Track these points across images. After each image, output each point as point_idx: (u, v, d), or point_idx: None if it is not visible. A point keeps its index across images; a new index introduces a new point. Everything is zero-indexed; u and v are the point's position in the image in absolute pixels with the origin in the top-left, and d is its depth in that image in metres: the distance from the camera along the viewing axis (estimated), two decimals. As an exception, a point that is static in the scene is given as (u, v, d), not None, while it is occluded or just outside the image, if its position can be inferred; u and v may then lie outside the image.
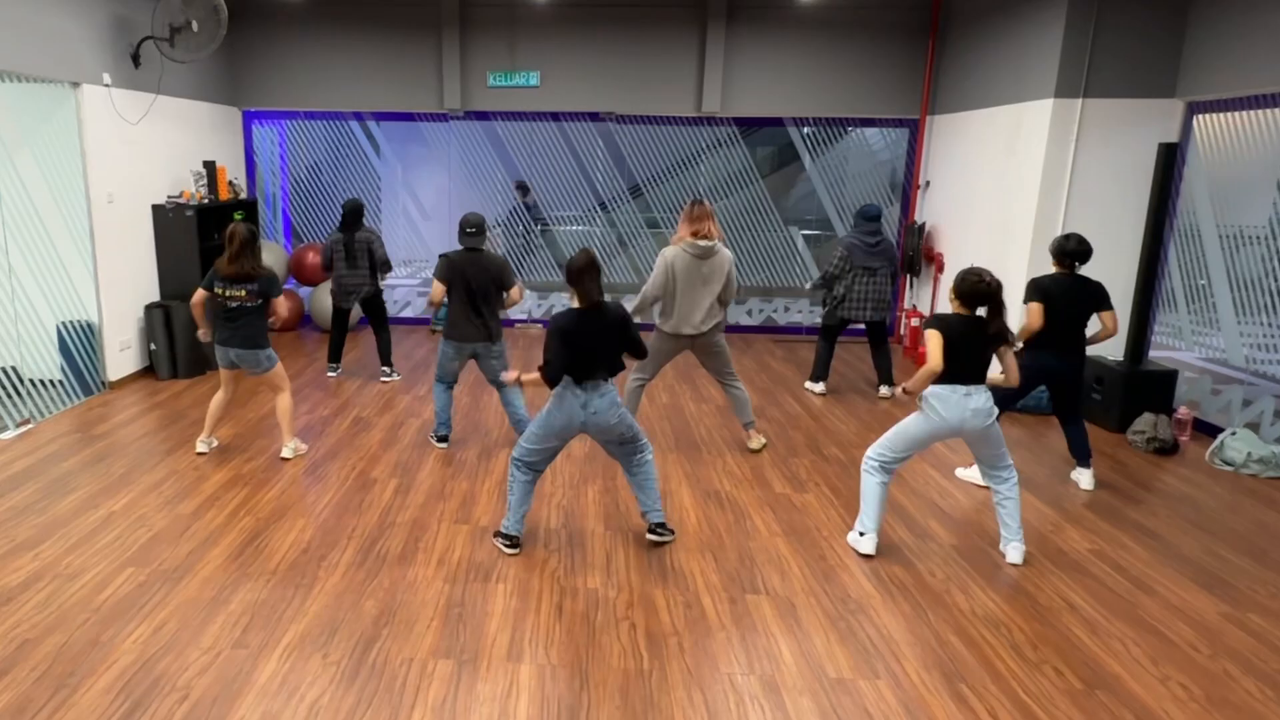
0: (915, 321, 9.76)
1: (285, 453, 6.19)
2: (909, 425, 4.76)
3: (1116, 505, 5.65)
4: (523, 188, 11.35)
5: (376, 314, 8.34)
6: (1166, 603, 4.41)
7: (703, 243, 6.01)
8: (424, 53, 10.19)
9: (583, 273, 4.51)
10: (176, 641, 3.87)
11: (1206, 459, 6.50)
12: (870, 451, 4.89)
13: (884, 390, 8.15)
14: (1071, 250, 5.73)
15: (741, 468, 6.19)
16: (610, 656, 3.83)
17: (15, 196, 7.28)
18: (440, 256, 6.17)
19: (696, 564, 4.71)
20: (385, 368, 8.39)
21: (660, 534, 4.92)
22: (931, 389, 4.63)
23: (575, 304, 4.56)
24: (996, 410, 4.64)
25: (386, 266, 8.20)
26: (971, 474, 6.01)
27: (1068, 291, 5.68)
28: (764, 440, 6.64)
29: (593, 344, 4.50)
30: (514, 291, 6.20)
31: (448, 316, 6.21)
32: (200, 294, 5.98)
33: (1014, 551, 4.79)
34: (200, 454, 6.21)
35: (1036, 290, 5.69)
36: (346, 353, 9.23)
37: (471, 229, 6.14)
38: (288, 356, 9.14)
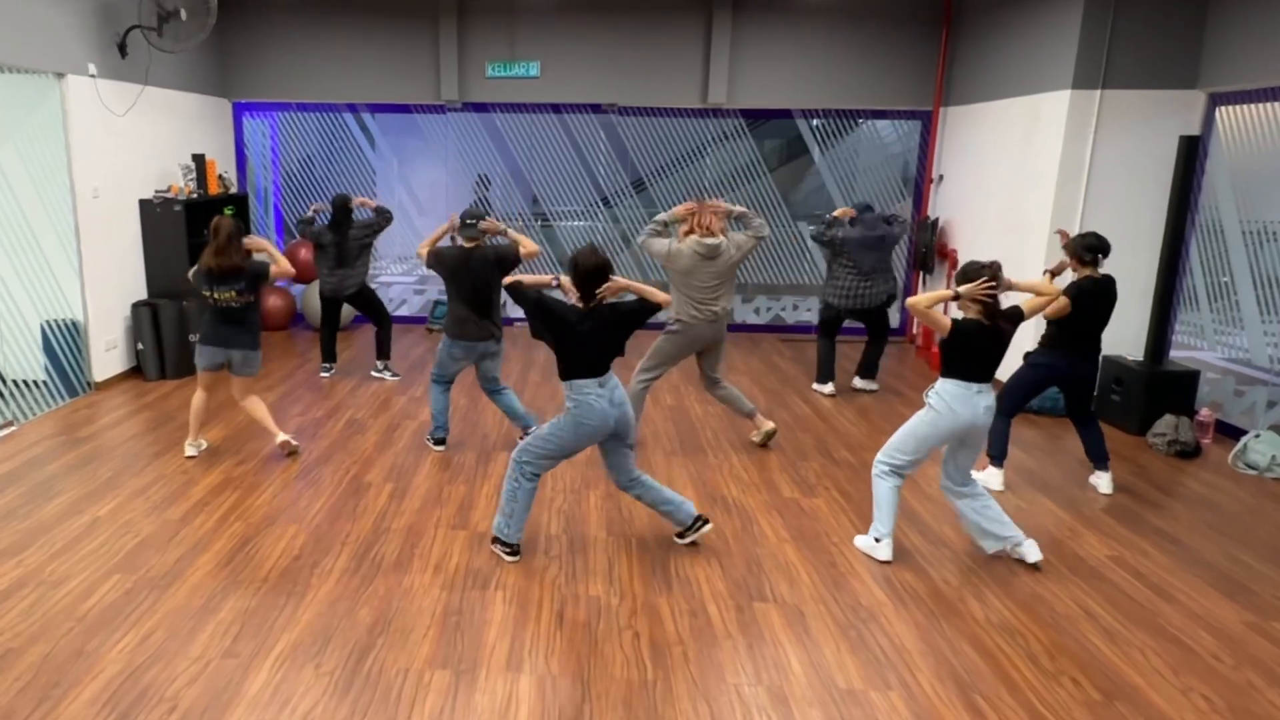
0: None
1: (283, 436, 6.25)
2: (917, 425, 4.78)
3: (1136, 510, 5.65)
4: (484, 182, 11.38)
5: (370, 305, 8.36)
6: (1188, 611, 4.41)
7: (709, 241, 6.11)
8: (420, 42, 10.19)
9: (586, 277, 4.53)
10: (164, 651, 3.87)
11: (1229, 462, 6.49)
12: (880, 455, 4.91)
13: (857, 381, 8.22)
14: (1093, 244, 5.71)
15: (749, 471, 6.18)
16: (613, 666, 3.83)
17: (-2, 191, 7.31)
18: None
19: (702, 571, 4.71)
20: (379, 362, 8.41)
21: (701, 525, 4.96)
22: (944, 385, 4.66)
23: (577, 302, 4.57)
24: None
25: (384, 217, 8.20)
26: (984, 477, 6.00)
27: (1101, 293, 5.66)
28: (773, 424, 6.71)
29: (598, 342, 4.53)
30: (524, 249, 6.15)
31: (451, 315, 6.21)
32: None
33: (1032, 549, 4.80)
34: (190, 457, 6.21)
35: (1075, 289, 5.63)
36: (340, 352, 9.23)
37: (470, 220, 6.14)
38: (279, 356, 9.16)
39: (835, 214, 7.96)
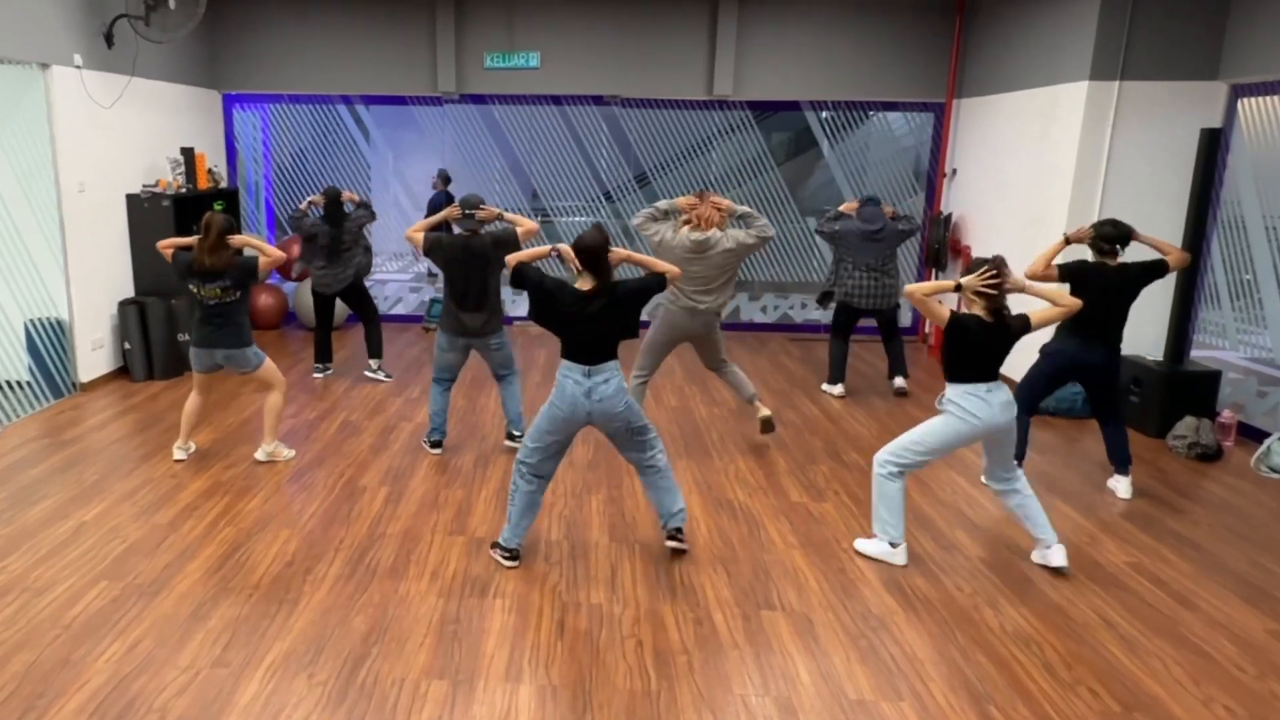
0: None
1: (259, 455, 6.21)
2: (936, 431, 4.75)
3: (1156, 515, 5.64)
4: (444, 177, 11.43)
5: (362, 302, 8.39)
6: (1209, 619, 4.40)
7: (697, 235, 6.20)
8: (416, 32, 10.19)
9: (593, 255, 4.51)
10: (152, 660, 3.88)
11: (1252, 465, 6.48)
12: (886, 455, 4.87)
13: (898, 382, 8.18)
14: (1109, 234, 5.72)
15: (755, 474, 6.18)
16: (615, 676, 3.83)
17: (-19, 186, 7.31)
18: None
19: (707, 578, 4.71)
20: (373, 360, 8.42)
21: (680, 540, 4.89)
22: (956, 392, 4.67)
23: (581, 285, 4.57)
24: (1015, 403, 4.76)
25: (368, 210, 8.29)
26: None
27: (1106, 280, 5.67)
28: (769, 411, 6.81)
29: (600, 325, 4.52)
30: (522, 229, 6.08)
31: (443, 305, 6.22)
32: (169, 252, 5.96)
33: (1059, 554, 4.80)
34: (178, 461, 6.22)
35: (1068, 271, 5.69)
36: (335, 351, 9.22)
37: (468, 210, 6.14)
38: (271, 356, 9.10)
39: (841, 209, 7.98)
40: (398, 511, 5.48)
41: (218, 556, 4.84)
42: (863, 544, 5.02)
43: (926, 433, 4.79)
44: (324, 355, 8.52)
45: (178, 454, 6.25)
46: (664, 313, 6.42)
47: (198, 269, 5.79)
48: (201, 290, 5.83)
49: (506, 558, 4.79)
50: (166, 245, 5.98)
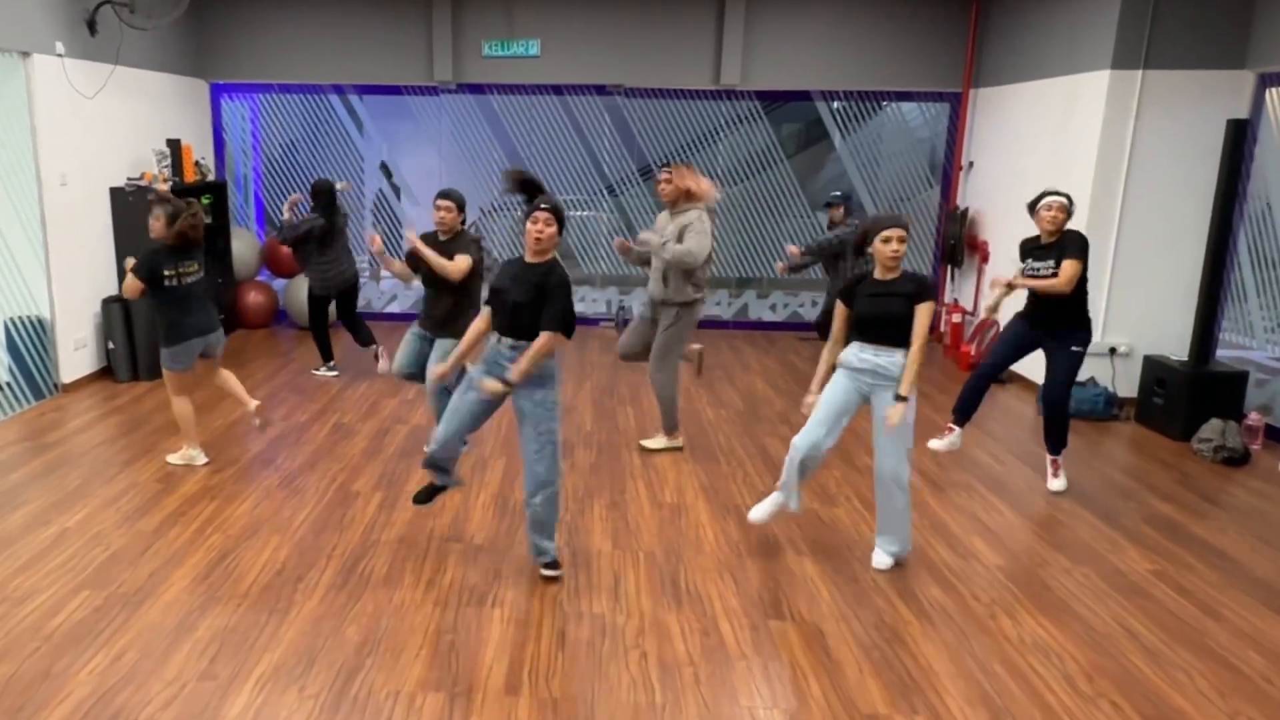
0: (957, 318, 9.72)
1: (174, 458, 6.22)
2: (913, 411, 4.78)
3: (1180, 521, 5.64)
4: (386, 169, 11.46)
5: (352, 300, 8.43)
6: (1236, 629, 4.39)
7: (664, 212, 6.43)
8: (412, 19, 10.19)
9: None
10: (137, 672, 3.88)
11: (1281, 470, 6.49)
12: (908, 469, 4.77)
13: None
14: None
15: (763, 479, 6.18)
16: (619, 689, 3.83)
17: (-40, 179, 7.31)
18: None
19: (714, 586, 4.71)
20: (376, 347, 8.38)
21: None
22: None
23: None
24: None
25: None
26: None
27: None
28: (668, 443, 6.73)
29: None
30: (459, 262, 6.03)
31: (463, 311, 6.21)
32: (137, 286, 5.78)
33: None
34: (204, 464, 6.20)
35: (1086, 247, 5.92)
36: (326, 352, 9.23)
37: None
38: (263, 355, 9.19)
39: (791, 251, 8.16)
40: (392, 518, 5.48)
41: (205, 564, 4.84)
42: (882, 558, 4.93)
43: (911, 418, 4.75)
44: (330, 353, 8.53)
45: (199, 459, 6.21)
46: (696, 309, 6.41)
47: (177, 247, 5.78)
48: (180, 269, 5.80)
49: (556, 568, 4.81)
50: (131, 288, 5.78)
